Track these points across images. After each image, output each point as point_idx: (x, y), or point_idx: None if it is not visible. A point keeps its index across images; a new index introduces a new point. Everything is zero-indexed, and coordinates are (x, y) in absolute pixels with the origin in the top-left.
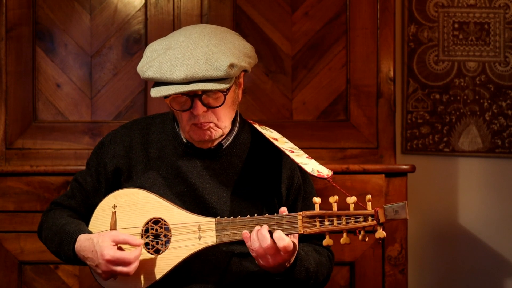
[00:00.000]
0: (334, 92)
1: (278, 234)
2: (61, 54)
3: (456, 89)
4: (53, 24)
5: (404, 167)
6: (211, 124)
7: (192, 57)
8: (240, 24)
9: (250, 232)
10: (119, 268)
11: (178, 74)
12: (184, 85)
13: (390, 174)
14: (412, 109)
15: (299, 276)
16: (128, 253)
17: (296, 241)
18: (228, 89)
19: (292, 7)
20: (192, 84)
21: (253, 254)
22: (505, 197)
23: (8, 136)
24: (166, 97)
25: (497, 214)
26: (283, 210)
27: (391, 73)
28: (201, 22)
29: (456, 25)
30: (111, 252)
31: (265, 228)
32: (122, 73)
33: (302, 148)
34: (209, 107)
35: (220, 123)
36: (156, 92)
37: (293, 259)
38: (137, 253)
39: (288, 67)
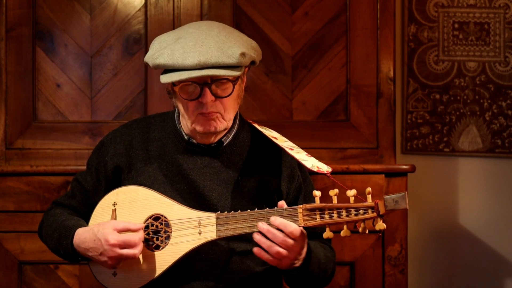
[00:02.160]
0: (334, 92)
1: (279, 221)
2: (61, 54)
3: (456, 89)
4: (53, 24)
5: (404, 167)
6: (218, 115)
7: (204, 45)
8: (240, 24)
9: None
10: (125, 251)
11: (191, 60)
12: (196, 71)
13: (390, 174)
14: (412, 109)
15: (312, 268)
16: (133, 235)
17: (304, 230)
18: (238, 78)
19: (292, 7)
20: (205, 70)
21: (274, 262)
22: (505, 197)
23: (8, 136)
24: (174, 85)
25: (497, 214)
26: (282, 204)
27: (391, 73)
28: None
29: (456, 25)
30: (115, 236)
31: (266, 226)
32: (122, 73)
33: (302, 148)
34: (217, 96)
35: (226, 115)
36: (166, 78)
37: (305, 251)
38: (140, 235)
39: (288, 67)
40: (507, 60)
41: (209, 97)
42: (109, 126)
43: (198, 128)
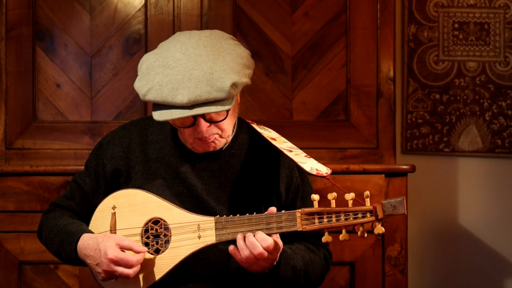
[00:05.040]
0: (334, 92)
1: (261, 236)
2: (61, 54)
3: (456, 89)
4: (53, 24)
5: (404, 167)
6: (215, 136)
7: (192, 78)
8: (240, 24)
9: (242, 239)
10: (120, 269)
11: (180, 99)
12: (187, 110)
13: (390, 174)
14: (412, 109)
15: (284, 274)
16: (132, 255)
17: (279, 240)
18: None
19: (292, 7)
20: (196, 109)
21: (244, 265)
22: (505, 197)
23: (8, 136)
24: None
25: (497, 214)
26: (273, 209)
27: (391, 73)
28: (201, 22)
29: (456, 25)
30: (115, 252)
31: (250, 235)
32: (122, 73)
33: (302, 148)
34: (212, 122)
35: (224, 134)
36: (158, 116)
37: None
38: (139, 257)
39: (288, 67)
40: (507, 60)
41: (203, 125)
42: (109, 126)
43: (198, 149)
